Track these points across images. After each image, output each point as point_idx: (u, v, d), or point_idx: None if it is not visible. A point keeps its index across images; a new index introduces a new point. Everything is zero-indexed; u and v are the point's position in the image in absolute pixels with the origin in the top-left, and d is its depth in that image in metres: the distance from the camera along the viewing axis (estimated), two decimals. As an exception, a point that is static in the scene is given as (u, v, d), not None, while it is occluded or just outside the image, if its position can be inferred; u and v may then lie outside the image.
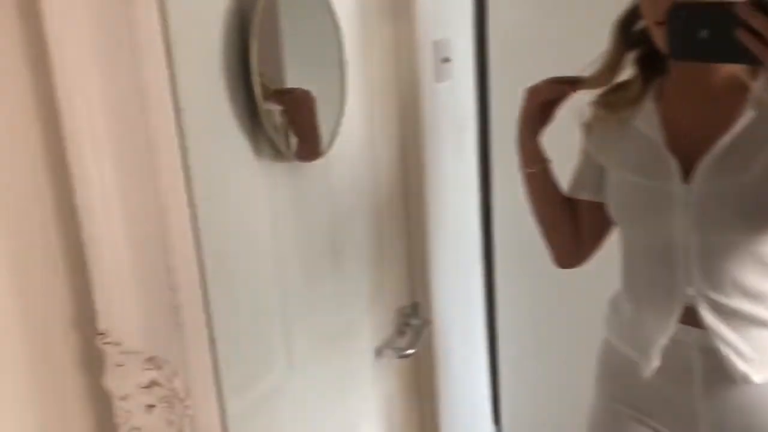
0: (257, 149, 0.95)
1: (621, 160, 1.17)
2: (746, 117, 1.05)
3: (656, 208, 1.11)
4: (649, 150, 1.13)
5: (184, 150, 0.71)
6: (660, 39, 1.03)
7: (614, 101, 1.18)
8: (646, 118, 1.14)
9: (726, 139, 1.05)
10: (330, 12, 1.07)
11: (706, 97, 1.10)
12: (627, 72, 1.17)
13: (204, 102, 0.84)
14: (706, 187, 1.06)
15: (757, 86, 1.06)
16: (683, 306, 1.12)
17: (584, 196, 1.27)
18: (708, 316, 1.10)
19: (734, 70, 1.07)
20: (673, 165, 1.09)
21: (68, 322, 0.73)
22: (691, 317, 1.12)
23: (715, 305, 1.10)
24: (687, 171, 1.08)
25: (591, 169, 1.25)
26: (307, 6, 1.05)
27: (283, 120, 0.97)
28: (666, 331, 1.14)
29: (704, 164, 1.06)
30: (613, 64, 1.15)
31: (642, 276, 1.19)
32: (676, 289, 1.12)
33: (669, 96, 1.14)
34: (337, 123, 1.11)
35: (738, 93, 1.07)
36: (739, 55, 0.93)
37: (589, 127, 1.25)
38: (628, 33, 1.14)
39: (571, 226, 1.30)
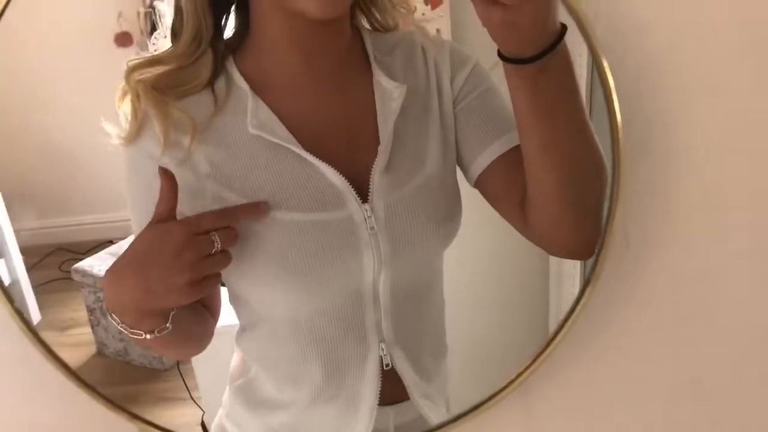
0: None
1: (256, 196, 0.75)
2: (397, 95, 0.78)
3: (342, 248, 0.76)
4: (294, 167, 0.76)
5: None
6: None
7: (172, 83, 0.75)
8: (257, 116, 0.75)
9: (389, 131, 0.77)
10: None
11: (328, 71, 0.78)
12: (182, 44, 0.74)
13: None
14: (386, 201, 0.77)
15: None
16: (379, 373, 0.81)
17: None
18: (407, 371, 0.83)
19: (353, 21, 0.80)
20: (341, 182, 0.76)
21: None
22: (387, 389, 0.82)
23: (410, 352, 0.83)
24: (354, 185, 0.77)
25: None
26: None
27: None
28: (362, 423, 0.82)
29: (377, 172, 0.77)
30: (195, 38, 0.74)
31: (314, 352, 0.80)
32: (370, 350, 0.81)
33: (266, 76, 0.77)
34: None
35: (364, 62, 0.81)
36: None
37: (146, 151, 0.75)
38: None
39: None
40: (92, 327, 0.96)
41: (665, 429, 0.98)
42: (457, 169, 0.83)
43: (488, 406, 0.88)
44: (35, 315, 0.93)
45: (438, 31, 0.88)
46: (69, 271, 0.93)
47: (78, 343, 0.95)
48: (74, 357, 0.93)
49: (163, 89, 0.73)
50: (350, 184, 0.76)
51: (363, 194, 0.77)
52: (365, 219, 0.76)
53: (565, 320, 0.86)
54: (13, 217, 0.88)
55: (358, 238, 0.76)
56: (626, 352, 0.93)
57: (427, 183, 0.79)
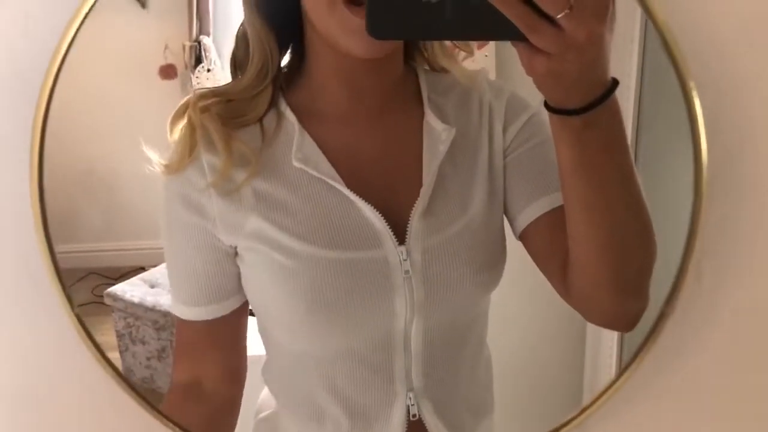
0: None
1: (293, 230, 0.74)
2: (445, 137, 0.77)
3: (374, 289, 0.75)
4: (333, 203, 0.75)
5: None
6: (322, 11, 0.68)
7: (230, 114, 0.75)
8: (302, 150, 0.75)
9: (433, 174, 0.76)
10: None
11: (377, 108, 0.78)
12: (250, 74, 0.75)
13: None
14: (424, 245, 0.76)
15: (426, 88, 0.80)
16: (405, 423, 0.79)
17: (217, 311, 0.80)
18: (435, 425, 0.80)
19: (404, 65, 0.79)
20: (379, 221, 0.75)
21: None
22: None
23: (440, 404, 0.81)
24: (392, 226, 0.75)
25: (217, 268, 0.78)
26: None
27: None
28: None
29: (417, 214, 0.75)
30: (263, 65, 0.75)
31: (340, 393, 0.79)
32: (397, 398, 0.79)
33: (315, 110, 0.78)
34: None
35: (416, 101, 0.80)
36: (494, 25, 0.53)
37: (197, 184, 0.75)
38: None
39: None
40: (120, 353, 0.96)
41: None
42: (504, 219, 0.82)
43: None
44: (65, 338, 0.94)
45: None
46: (101, 296, 0.94)
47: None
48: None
49: (225, 121, 0.75)
50: (388, 225, 0.75)
51: (401, 236, 0.75)
52: (400, 262, 0.75)
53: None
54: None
55: (392, 280, 0.75)
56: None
57: (467, 229, 0.78)
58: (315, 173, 0.75)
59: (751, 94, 0.79)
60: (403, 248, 0.75)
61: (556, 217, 0.76)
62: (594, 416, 0.85)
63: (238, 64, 0.77)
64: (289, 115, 0.77)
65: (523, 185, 0.80)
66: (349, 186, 0.75)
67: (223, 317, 0.80)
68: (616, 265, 0.70)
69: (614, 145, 0.64)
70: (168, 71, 0.89)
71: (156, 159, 0.75)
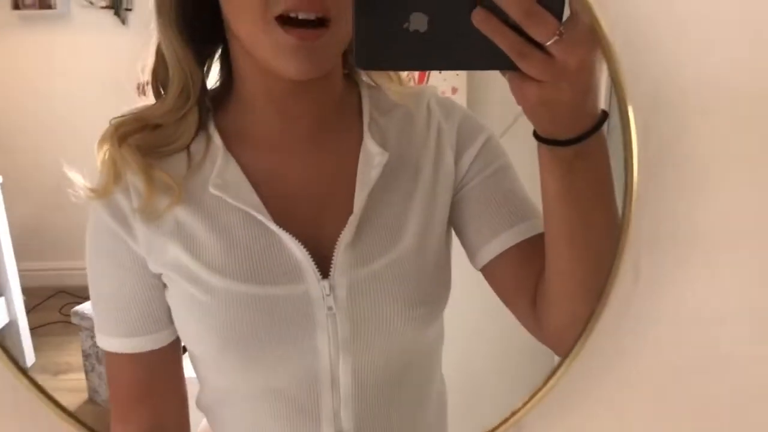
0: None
1: (209, 262, 0.69)
2: (377, 162, 0.71)
3: (293, 326, 0.69)
4: (254, 233, 0.70)
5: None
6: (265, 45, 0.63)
7: (156, 143, 0.70)
8: (224, 177, 0.70)
9: (361, 202, 0.70)
10: None
11: (310, 131, 0.72)
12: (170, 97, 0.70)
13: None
14: (350, 278, 0.70)
15: (367, 106, 0.75)
16: None
17: (142, 345, 0.74)
18: None
19: (344, 85, 0.75)
20: (301, 253, 0.69)
21: None
22: None
23: None
24: (318, 258, 0.70)
25: (146, 297, 0.72)
26: None
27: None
28: None
29: (342, 246, 0.70)
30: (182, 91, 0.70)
31: (270, 427, 0.74)
32: None
33: (245, 133, 0.72)
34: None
35: (357, 121, 0.74)
36: (484, 53, 0.52)
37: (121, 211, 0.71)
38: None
39: None
40: (86, 373, 0.94)
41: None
42: (453, 249, 0.77)
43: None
44: (29, 357, 0.92)
45: (454, 90, 0.85)
46: (69, 315, 0.92)
47: (70, 388, 0.93)
48: (66, 402, 0.91)
49: (146, 151, 0.70)
50: (312, 257, 0.69)
51: (325, 269, 0.69)
52: (323, 297, 0.69)
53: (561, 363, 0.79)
54: (18, 256, 0.88)
55: (314, 317, 0.69)
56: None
57: (399, 262, 0.71)
58: (233, 202, 0.69)
59: (683, 96, 0.78)
60: (326, 282, 0.69)
61: (522, 251, 0.73)
62: (528, 416, 0.82)
63: (160, 82, 0.71)
64: (216, 139, 0.71)
65: (485, 218, 0.75)
66: (273, 214, 0.69)
67: (170, 345, 0.75)
68: (594, 298, 0.68)
69: (602, 176, 0.62)
70: (146, 89, 0.89)
71: (81, 182, 0.70)
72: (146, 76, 0.71)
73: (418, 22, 0.52)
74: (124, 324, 0.73)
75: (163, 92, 0.71)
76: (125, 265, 0.71)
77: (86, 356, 0.95)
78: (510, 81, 0.54)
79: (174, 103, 0.69)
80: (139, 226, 0.70)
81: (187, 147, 0.72)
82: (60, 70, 0.89)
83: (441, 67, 0.60)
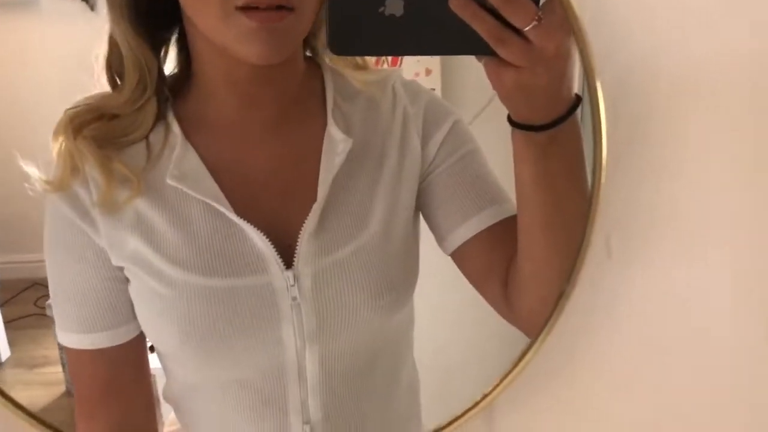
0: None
1: (169, 254, 0.68)
2: (341, 149, 0.70)
3: (257, 318, 0.68)
4: (214, 224, 0.69)
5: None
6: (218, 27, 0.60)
7: (113, 134, 0.69)
8: (182, 167, 0.69)
9: (325, 189, 0.69)
10: None
11: (272, 117, 0.71)
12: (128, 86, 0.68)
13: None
14: (314, 268, 0.69)
15: (331, 93, 0.73)
16: None
17: (102, 341, 0.72)
18: None
19: (309, 71, 0.73)
20: (264, 243, 0.68)
21: None
22: None
23: None
24: (281, 248, 0.69)
25: (107, 291, 0.71)
26: None
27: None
28: None
29: (306, 234, 0.69)
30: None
31: (236, 421, 0.73)
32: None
33: (205, 121, 0.71)
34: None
35: (320, 107, 0.73)
36: (460, 38, 0.52)
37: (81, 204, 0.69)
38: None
39: None
40: (63, 366, 0.93)
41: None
42: (421, 235, 0.77)
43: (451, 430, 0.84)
44: (4, 351, 0.90)
45: (428, 72, 0.84)
46: (44, 307, 0.91)
47: (47, 381, 0.92)
48: (42, 396, 0.90)
49: (103, 142, 0.68)
50: (275, 248, 0.68)
51: (288, 259, 0.68)
52: (287, 287, 0.68)
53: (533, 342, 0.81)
54: (-10, 249, 0.87)
55: (278, 308, 0.68)
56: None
57: (364, 250, 0.70)
58: (191, 192, 0.67)
59: (649, 79, 0.80)
60: (290, 273, 0.68)
61: (492, 235, 0.73)
62: (500, 398, 0.84)
63: (115, 71, 0.69)
64: (175, 128, 0.70)
65: (454, 202, 0.74)
66: (234, 204, 0.68)
67: (133, 341, 0.74)
68: (564, 278, 0.68)
69: (575, 160, 0.63)
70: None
71: (36, 175, 0.68)
72: (100, 66, 0.69)
73: (394, 6, 0.51)
74: (83, 319, 0.71)
75: (119, 82, 0.69)
76: (87, 258, 0.70)
77: (63, 349, 0.93)
78: (486, 66, 0.54)
79: (131, 94, 0.67)
80: (100, 219, 0.68)
81: (146, 137, 0.70)
82: (28, 58, 0.87)
83: (417, 53, 0.60)
